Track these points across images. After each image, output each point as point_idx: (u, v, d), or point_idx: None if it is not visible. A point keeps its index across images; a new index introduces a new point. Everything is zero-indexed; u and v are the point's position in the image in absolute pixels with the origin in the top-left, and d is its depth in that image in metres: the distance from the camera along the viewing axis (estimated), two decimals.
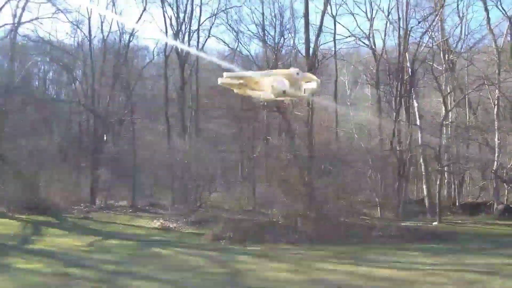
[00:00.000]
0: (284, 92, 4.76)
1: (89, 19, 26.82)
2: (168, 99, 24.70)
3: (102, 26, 26.92)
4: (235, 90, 5.21)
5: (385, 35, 25.30)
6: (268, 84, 4.82)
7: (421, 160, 23.91)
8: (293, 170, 19.84)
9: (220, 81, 4.90)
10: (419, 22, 23.50)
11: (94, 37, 27.63)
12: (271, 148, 21.11)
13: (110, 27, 27.84)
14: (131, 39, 26.74)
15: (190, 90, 25.19)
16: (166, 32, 25.46)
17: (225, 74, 4.96)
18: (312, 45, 21.75)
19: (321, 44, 23.78)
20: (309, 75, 5.20)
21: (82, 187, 24.56)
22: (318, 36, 22.13)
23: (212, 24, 27.10)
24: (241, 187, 23.14)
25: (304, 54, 22.14)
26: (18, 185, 21.66)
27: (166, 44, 25.34)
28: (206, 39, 26.89)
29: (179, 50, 24.82)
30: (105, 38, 26.72)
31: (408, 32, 23.00)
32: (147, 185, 24.61)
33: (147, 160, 23.51)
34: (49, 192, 22.17)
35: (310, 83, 5.01)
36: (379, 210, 20.92)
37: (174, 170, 22.44)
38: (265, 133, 22.44)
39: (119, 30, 26.56)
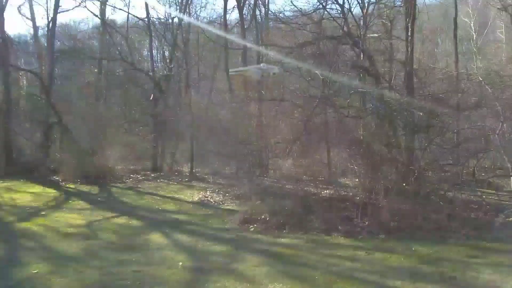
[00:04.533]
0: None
1: None
2: (227, 48, 19.33)
3: None
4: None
5: None
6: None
7: None
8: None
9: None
10: None
11: None
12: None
13: None
14: None
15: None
16: None
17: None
18: None
19: None
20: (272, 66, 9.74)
21: (144, 155, 20.94)
22: None
23: None
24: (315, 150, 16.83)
25: None
26: (74, 152, 18.81)
27: None
28: None
29: None
30: None
31: None
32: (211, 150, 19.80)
33: (207, 123, 18.65)
34: (107, 160, 18.88)
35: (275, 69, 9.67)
36: None
37: (236, 133, 17.32)
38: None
39: None
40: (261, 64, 8.78)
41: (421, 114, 11.59)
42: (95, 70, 23.49)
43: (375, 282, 6.45)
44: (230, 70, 11.06)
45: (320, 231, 9.66)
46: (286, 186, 14.62)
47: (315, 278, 6.56)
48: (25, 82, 28.56)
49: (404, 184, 11.69)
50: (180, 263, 7.54)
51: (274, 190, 13.44)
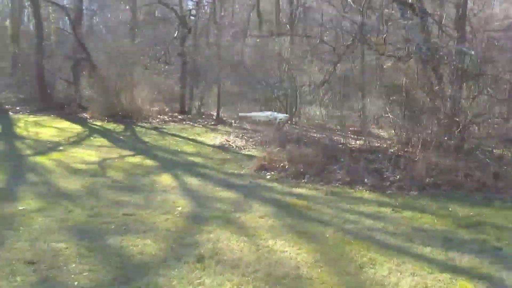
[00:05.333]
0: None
1: None
2: None
3: None
4: None
5: None
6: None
7: None
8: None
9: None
10: None
11: None
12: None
13: None
14: None
15: None
16: None
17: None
18: None
19: None
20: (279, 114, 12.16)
21: (173, 96, 20.03)
22: None
23: None
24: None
25: None
26: (101, 90, 18.20)
27: None
28: None
29: None
30: None
31: None
32: (238, 94, 18.61)
33: (234, 65, 17.34)
34: (134, 99, 18.17)
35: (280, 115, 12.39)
36: None
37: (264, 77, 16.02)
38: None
39: None
40: (269, 113, 11.02)
41: (472, 53, 9.71)
42: (127, 7, 22.34)
43: (397, 247, 5.28)
44: (239, 114, 12.37)
45: (343, 183, 8.52)
46: (314, 135, 13.43)
47: (325, 237, 5.50)
48: (66, 18, 27.93)
49: (445, 138, 10.17)
50: (179, 208, 6.68)
51: (297, 137, 12.26)
